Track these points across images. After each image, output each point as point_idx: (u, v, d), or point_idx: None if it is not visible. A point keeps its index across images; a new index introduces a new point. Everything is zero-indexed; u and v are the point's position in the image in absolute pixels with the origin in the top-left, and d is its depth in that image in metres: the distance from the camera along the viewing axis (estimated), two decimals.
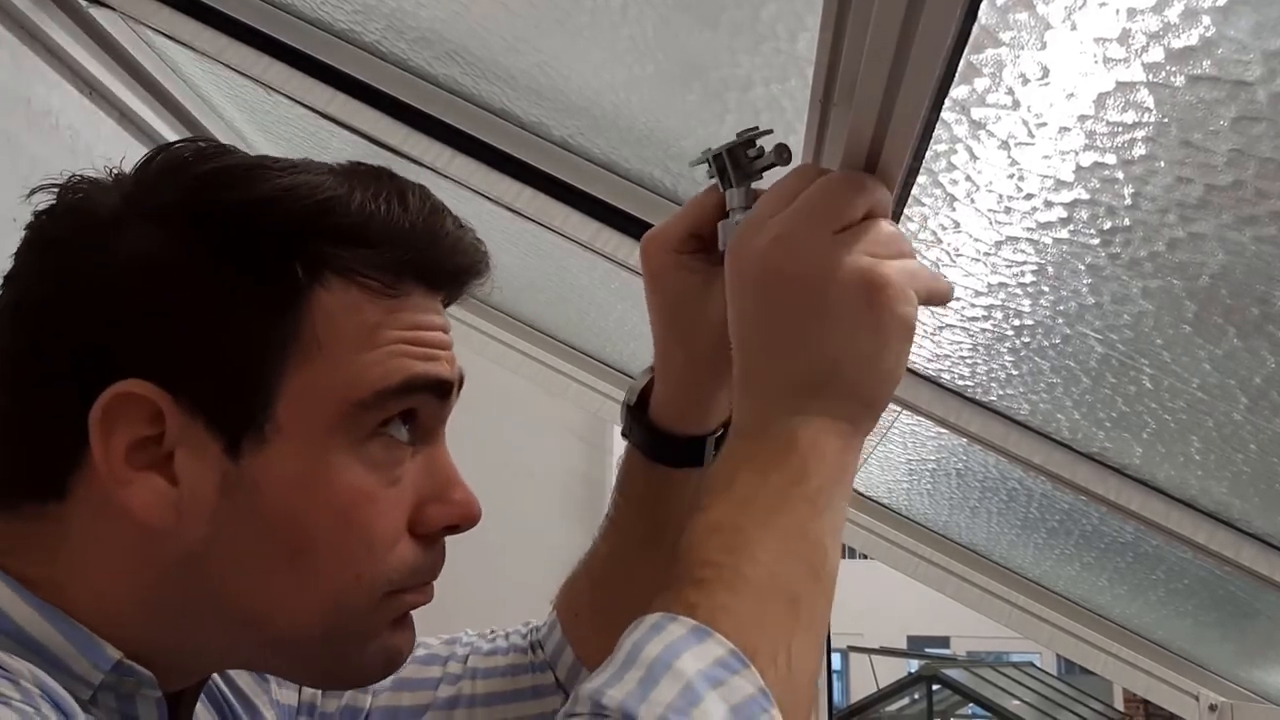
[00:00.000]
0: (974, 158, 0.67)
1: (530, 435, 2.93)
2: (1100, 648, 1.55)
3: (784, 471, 0.47)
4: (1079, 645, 1.57)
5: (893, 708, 7.39)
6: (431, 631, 0.75)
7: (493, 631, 0.75)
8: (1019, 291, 0.80)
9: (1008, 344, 0.89)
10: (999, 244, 0.75)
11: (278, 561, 0.47)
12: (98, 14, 1.16)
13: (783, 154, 0.59)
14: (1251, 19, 0.47)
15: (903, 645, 13.15)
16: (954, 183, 0.70)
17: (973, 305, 0.86)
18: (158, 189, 0.47)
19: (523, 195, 1.04)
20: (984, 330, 0.89)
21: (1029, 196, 0.68)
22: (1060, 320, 0.81)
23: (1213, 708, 1.46)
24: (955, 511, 1.55)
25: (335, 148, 1.46)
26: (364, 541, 0.48)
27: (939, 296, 0.53)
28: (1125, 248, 0.68)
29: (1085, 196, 0.65)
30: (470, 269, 0.54)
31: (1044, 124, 0.60)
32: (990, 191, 0.70)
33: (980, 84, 0.59)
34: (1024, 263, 0.76)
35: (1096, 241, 0.69)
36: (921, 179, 0.70)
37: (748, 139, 0.60)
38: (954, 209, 0.74)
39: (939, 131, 0.63)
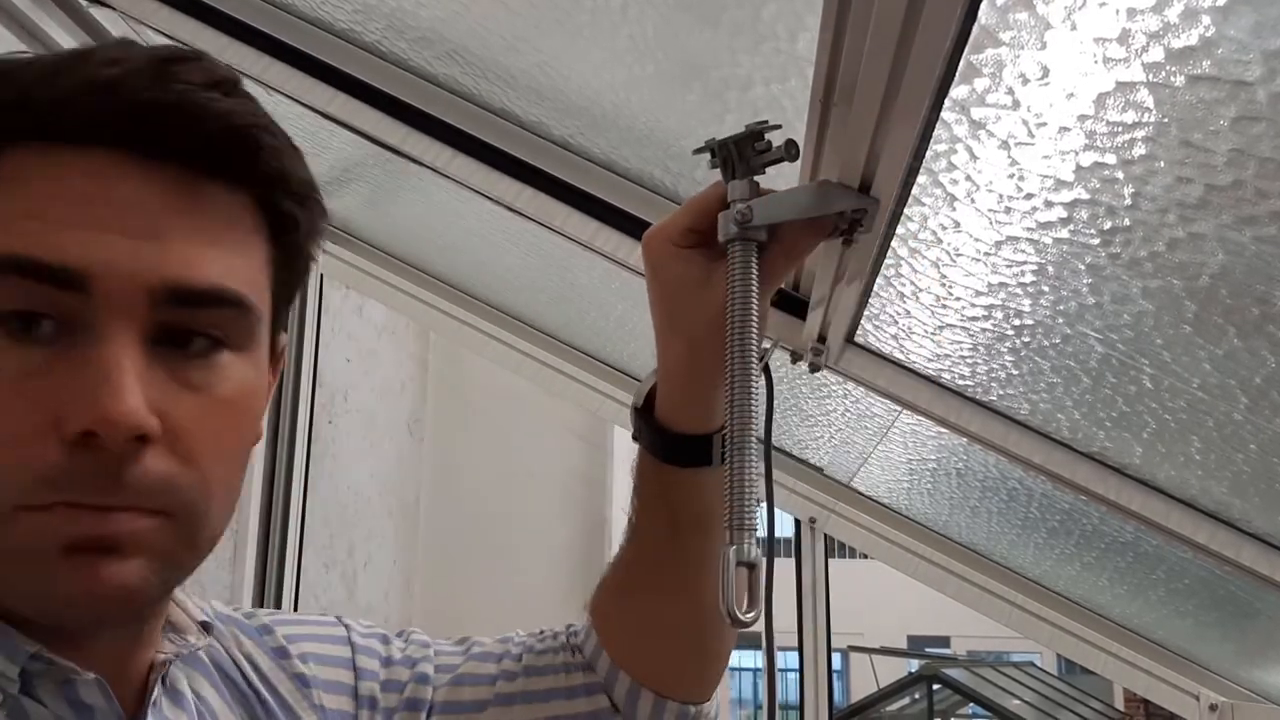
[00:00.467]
0: (974, 157, 0.67)
1: (530, 435, 2.93)
2: (1100, 647, 1.55)
3: None
4: (1079, 645, 1.57)
5: (893, 707, 7.39)
6: (437, 628, 0.75)
7: (542, 631, 0.76)
8: (1019, 291, 0.80)
9: (1008, 344, 0.89)
10: (999, 244, 0.75)
11: None
12: (98, 13, 1.16)
13: (791, 149, 0.59)
14: (1251, 19, 0.47)
15: (903, 645, 13.14)
16: (954, 182, 0.70)
17: (973, 305, 0.86)
18: None
19: (523, 195, 1.04)
20: (984, 330, 0.89)
21: (1029, 196, 0.68)
22: (1060, 320, 0.81)
23: (1213, 707, 1.46)
24: (955, 511, 1.55)
25: (336, 147, 1.46)
26: None
27: None
28: (1125, 248, 0.68)
29: (1085, 196, 0.65)
30: (132, 110, 0.46)
31: (1044, 124, 0.60)
32: (990, 191, 0.70)
33: (980, 84, 0.59)
34: (1024, 262, 0.76)
35: (1096, 241, 0.69)
36: (921, 179, 0.70)
37: (755, 132, 0.60)
38: (954, 209, 0.74)
39: (939, 131, 0.63)
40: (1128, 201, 0.63)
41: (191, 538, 0.48)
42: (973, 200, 0.72)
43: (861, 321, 0.94)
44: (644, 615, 0.71)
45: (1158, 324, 0.74)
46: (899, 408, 1.09)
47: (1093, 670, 1.58)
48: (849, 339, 0.98)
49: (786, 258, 0.63)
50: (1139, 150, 0.58)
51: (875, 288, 0.86)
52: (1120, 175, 0.61)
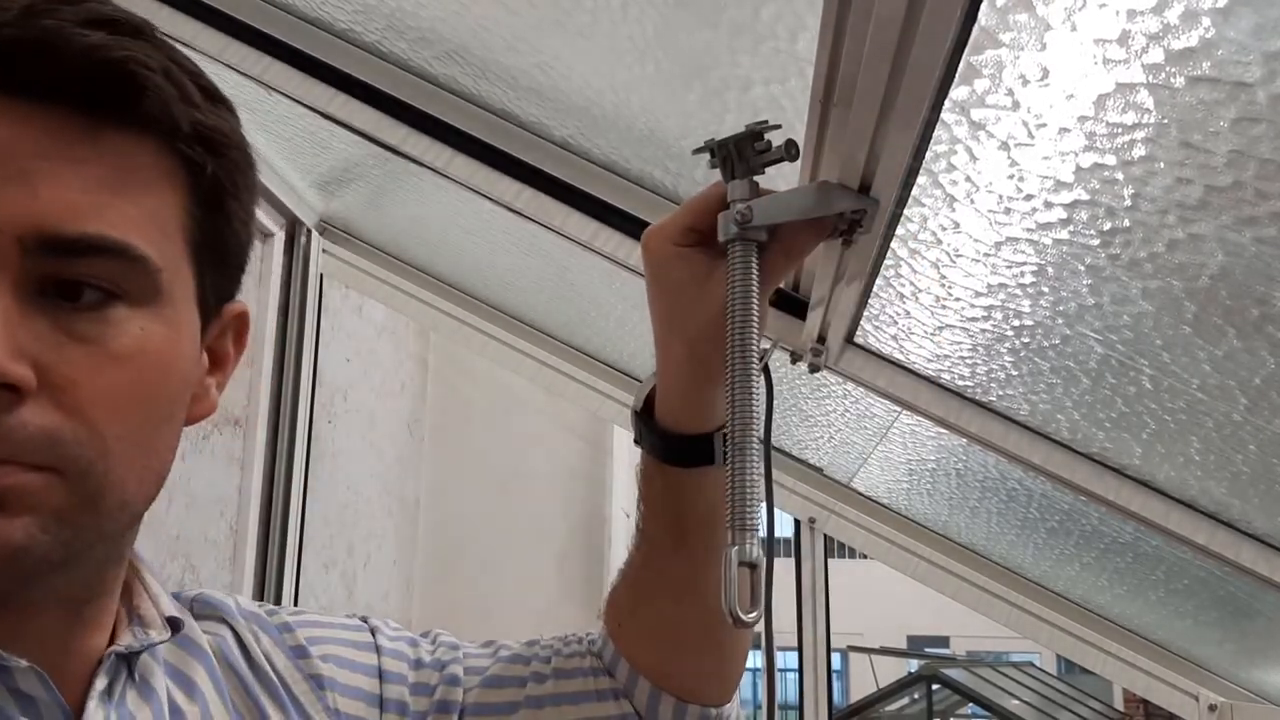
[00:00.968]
0: (974, 158, 0.67)
1: (530, 435, 2.93)
2: (1100, 648, 1.55)
3: None
4: (1078, 645, 1.57)
5: (892, 707, 7.40)
6: (438, 625, 0.75)
7: (566, 636, 0.76)
8: (1019, 292, 0.80)
9: (1007, 344, 0.89)
10: (999, 245, 0.75)
11: None
12: None
13: (791, 149, 0.59)
14: (1251, 20, 0.47)
15: (903, 645, 13.15)
16: (954, 183, 0.70)
17: (972, 305, 0.86)
18: None
19: (523, 195, 1.04)
20: (984, 331, 0.89)
21: (1029, 197, 0.68)
22: (1060, 321, 0.81)
23: (1212, 708, 1.46)
24: (955, 511, 1.55)
25: (336, 147, 1.46)
26: None
27: None
28: (1125, 248, 0.68)
29: (1085, 197, 0.65)
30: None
31: (1044, 125, 0.60)
32: (990, 192, 0.70)
33: (980, 85, 0.59)
34: (1024, 263, 0.76)
35: (1096, 242, 0.69)
36: (921, 179, 0.70)
37: (755, 132, 0.60)
38: (954, 210, 0.74)
39: (939, 132, 0.63)
40: (1127, 202, 0.63)
41: (90, 498, 0.46)
42: (972, 201, 0.72)
43: (861, 322, 0.94)
44: (658, 620, 0.70)
45: (1157, 325, 0.74)
46: (898, 408, 1.09)
47: (1092, 670, 1.58)
48: (849, 339, 0.98)
49: (786, 258, 0.63)
50: (1139, 151, 0.58)
51: (875, 288, 0.86)
52: (1120, 176, 0.61)
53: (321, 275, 1.84)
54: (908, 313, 0.92)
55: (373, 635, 0.70)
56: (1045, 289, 0.78)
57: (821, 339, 0.95)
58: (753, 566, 0.56)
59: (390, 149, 1.07)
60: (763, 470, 0.59)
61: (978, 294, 0.84)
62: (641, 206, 1.02)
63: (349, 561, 2.43)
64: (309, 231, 1.78)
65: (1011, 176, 0.67)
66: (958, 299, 0.86)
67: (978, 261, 0.79)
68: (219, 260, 0.53)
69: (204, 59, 1.10)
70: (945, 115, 0.62)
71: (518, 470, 2.93)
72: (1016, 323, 0.85)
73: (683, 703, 0.70)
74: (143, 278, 0.47)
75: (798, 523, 1.82)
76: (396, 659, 0.69)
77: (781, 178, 0.62)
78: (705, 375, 0.64)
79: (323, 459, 2.21)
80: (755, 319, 0.59)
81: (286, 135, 1.46)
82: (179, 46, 0.51)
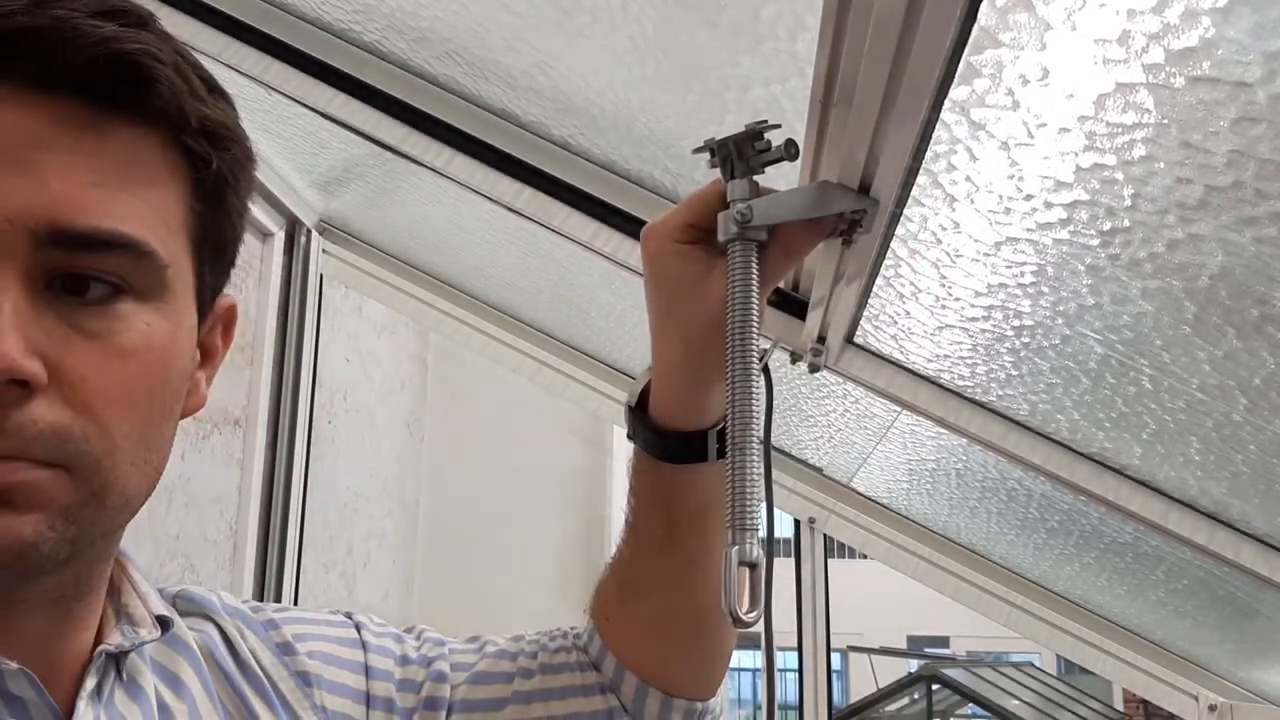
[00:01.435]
0: (974, 158, 0.67)
1: (530, 435, 2.94)
2: (1099, 648, 1.55)
3: None
4: (1078, 645, 1.57)
5: (892, 708, 7.40)
6: (437, 627, 0.75)
7: (552, 631, 0.76)
8: (1019, 292, 0.80)
9: (1007, 344, 0.89)
10: (999, 245, 0.75)
11: None
12: None
13: (791, 149, 0.59)
14: (1251, 20, 0.47)
15: (902, 645, 13.15)
16: (954, 183, 0.70)
17: (972, 306, 0.86)
18: None
19: (523, 195, 1.04)
20: (983, 331, 0.89)
21: (1029, 197, 0.68)
22: (1060, 321, 0.81)
23: (1212, 708, 1.46)
24: (955, 511, 1.55)
25: (335, 147, 1.46)
26: None
27: None
28: (1125, 248, 0.68)
29: (1085, 197, 0.65)
30: (3, 36, 0.43)
31: (1044, 125, 0.60)
32: (990, 192, 0.70)
33: (980, 85, 0.59)
34: (1024, 263, 0.76)
35: (1096, 242, 0.69)
36: (921, 180, 0.70)
37: (755, 131, 0.60)
38: (954, 209, 0.74)
39: (939, 132, 0.63)
40: (1127, 202, 0.63)
41: (96, 494, 0.45)
42: (972, 201, 0.72)
43: (861, 322, 0.94)
44: (647, 614, 0.71)
45: (1157, 325, 0.74)
46: (898, 408, 1.09)
47: (1092, 670, 1.58)
48: (848, 339, 0.98)
49: (786, 258, 0.63)
50: (1139, 151, 0.58)
51: (875, 288, 0.86)
52: (1120, 176, 0.61)
53: (321, 275, 1.84)
54: (908, 313, 0.92)
55: (358, 631, 0.69)
56: (1045, 289, 0.78)
57: (821, 339, 0.95)
58: (753, 566, 0.56)
59: (390, 149, 1.07)
60: (762, 470, 0.59)
61: (978, 294, 0.84)
62: (641, 206, 1.02)
63: (349, 561, 2.43)
64: (309, 231, 1.78)
65: (1011, 176, 0.67)
66: (958, 299, 0.86)
67: (977, 261, 0.79)
68: (217, 254, 0.53)
69: (204, 59, 1.10)
70: (945, 115, 0.62)
71: (517, 470, 2.93)
72: (1016, 323, 0.85)
73: (669, 697, 0.71)
74: (150, 273, 0.47)
75: (797, 523, 1.82)
76: (383, 655, 0.69)
77: (781, 177, 0.62)
78: (701, 372, 0.64)
79: (323, 459, 2.21)
80: (755, 319, 0.59)
81: (286, 135, 1.46)
82: None
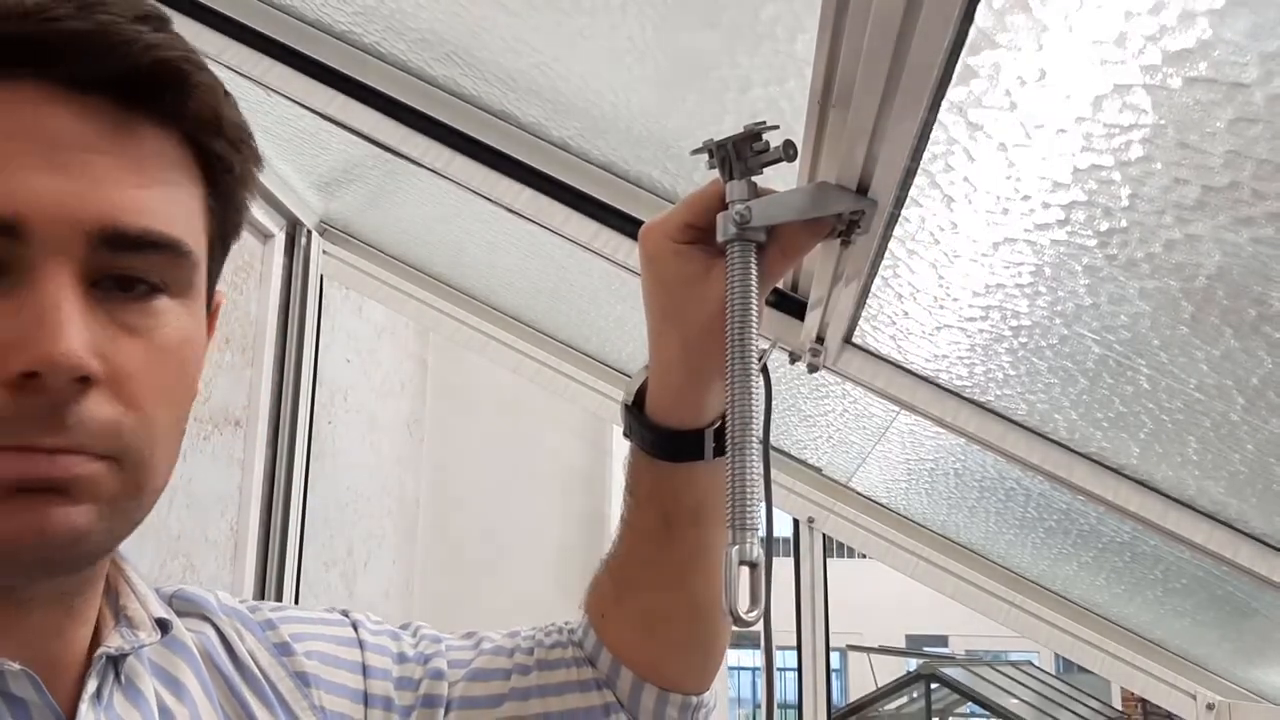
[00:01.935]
0: (971, 159, 0.67)
1: (530, 435, 2.94)
2: (1098, 646, 1.55)
3: None
4: (1077, 644, 1.58)
5: (891, 706, 7.40)
6: (438, 627, 0.75)
7: (547, 626, 0.76)
8: (1016, 292, 0.81)
9: (1005, 344, 0.89)
10: (996, 245, 0.76)
11: None
12: None
13: (789, 150, 0.59)
14: (1248, 21, 0.47)
15: (901, 644, 13.14)
16: (952, 184, 0.71)
17: (970, 306, 0.86)
18: None
19: (522, 196, 1.04)
20: (981, 331, 0.89)
21: (1026, 198, 0.68)
22: (1057, 321, 0.82)
23: (1210, 707, 1.46)
24: (953, 511, 1.56)
25: (336, 148, 1.47)
26: None
27: None
28: (1122, 249, 0.68)
29: (1082, 198, 0.65)
30: (54, 38, 0.44)
31: (1041, 126, 0.61)
32: (988, 193, 0.70)
33: (977, 86, 0.59)
34: (1021, 264, 0.76)
35: (1093, 243, 0.69)
36: (919, 180, 0.70)
37: (754, 132, 0.60)
38: (952, 210, 0.74)
39: (936, 133, 0.64)
40: (1124, 203, 0.64)
41: (138, 485, 0.47)
42: (970, 201, 0.72)
43: (859, 322, 0.95)
44: (643, 610, 0.71)
45: (1154, 325, 0.75)
46: (897, 408, 1.09)
47: (1090, 669, 1.58)
48: (847, 339, 0.98)
49: (785, 258, 0.63)
50: (1136, 152, 0.59)
51: (873, 288, 0.86)
52: (1117, 177, 0.62)
53: (321, 276, 1.84)
54: (906, 313, 0.92)
55: (355, 630, 0.70)
56: (1043, 289, 0.78)
57: (820, 339, 0.95)
58: (753, 565, 0.56)
59: (390, 150, 1.08)
60: (762, 470, 0.59)
61: (975, 294, 0.84)
62: (640, 207, 1.02)
63: (349, 561, 2.43)
64: (309, 232, 1.78)
65: (1009, 177, 0.67)
66: (956, 299, 0.86)
67: (975, 262, 0.79)
68: (224, 250, 0.55)
69: (204, 60, 1.10)
70: (943, 116, 0.62)
71: (517, 470, 2.93)
72: (1014, 323, 0.85)
73: (665, 691, 0.71)
74: (186, 272, 0.49)
75: (796, 522, 1.82)
76: (380, 653, 0.69)
77: (780, 178, 0.63)
78: (698, 371, 0.64)
79: (323, 459, 2.21)
80: (754, 319, 0.59)
81: (286, 136, 1.46)
82: None
